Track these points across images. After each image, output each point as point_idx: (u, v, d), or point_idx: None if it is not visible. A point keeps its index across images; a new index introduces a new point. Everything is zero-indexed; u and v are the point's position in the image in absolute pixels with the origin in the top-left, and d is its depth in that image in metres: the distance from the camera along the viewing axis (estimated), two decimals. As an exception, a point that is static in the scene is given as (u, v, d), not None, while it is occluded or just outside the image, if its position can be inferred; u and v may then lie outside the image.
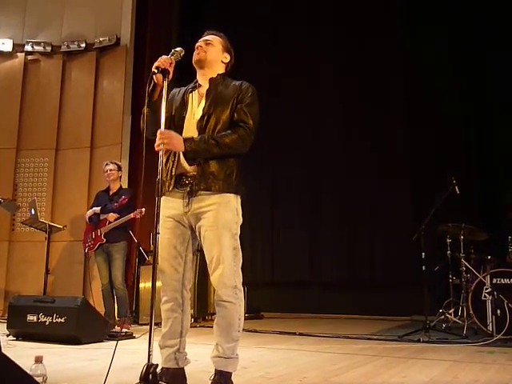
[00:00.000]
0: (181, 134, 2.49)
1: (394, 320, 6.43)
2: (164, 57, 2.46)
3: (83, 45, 7.66)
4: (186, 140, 2.42)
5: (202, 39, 2.65)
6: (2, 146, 7.44)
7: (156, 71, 2.40)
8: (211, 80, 2.61)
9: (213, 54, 2.61)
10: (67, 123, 7.57)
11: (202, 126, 2.51)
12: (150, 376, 2.10)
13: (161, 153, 2.35)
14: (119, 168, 5.79)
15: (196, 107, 2.57)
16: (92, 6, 7.85)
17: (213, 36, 2.67)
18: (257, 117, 2.56)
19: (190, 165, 2.48)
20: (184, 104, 2.59)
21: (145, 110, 2.53)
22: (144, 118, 2.54)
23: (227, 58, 2.68)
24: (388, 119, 7.32)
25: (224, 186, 2.46)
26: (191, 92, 2.63)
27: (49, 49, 7.72)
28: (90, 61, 7.68)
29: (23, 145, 7.52)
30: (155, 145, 2.36)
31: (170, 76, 2.44)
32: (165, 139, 2.35)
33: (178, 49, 2.53)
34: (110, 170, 5.71)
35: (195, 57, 2.60)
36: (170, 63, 2.44)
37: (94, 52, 7.69)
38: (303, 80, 7.85)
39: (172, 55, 2.49)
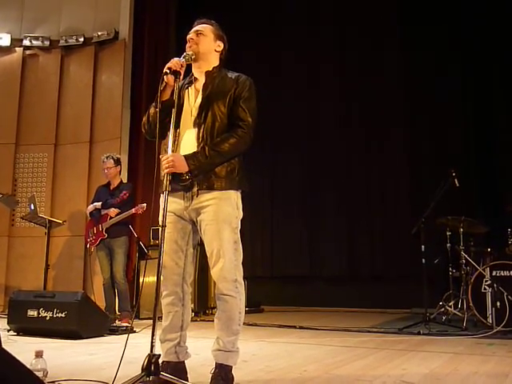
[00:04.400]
0: (179, 132, 2.51)
1: (394, 313, 6.45)
2: (176, 59, 2.47)
3: (81, 39, 7.64)
4: (187, 158, 2.41)
5: (192, 30, 2.62)
6: (1, 141, 7.43)
7: (168, 71, 2.41)
8: (207, 74, 2.59)
9: (205, 44, 2.59)
10: (66, 118, 7.56)
11: (199, 123, 2.50)
12: (152, 366, 2.12)
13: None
14: (117, 162, 5.66)
15: (193, 103, 2.56)
16: (90, 0, 7.81)
17: (203, 25, 2.63)
18: (255, 112, 2.54)
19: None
20: (181, 100, 2.57)
21: (151, 109, 2.56)
22: (150, 119, 2.57)
23: (220, 45, 2.65)
24: (387, 114, 7.32)
25: (226, 184, 2.47)
26: (187, 88, 2.61)
27: (47, 43, 7.69)
28: (89, 55, 7.66)
29: (22, 140, 7.50)
30: (164, 171, 2.38)
31: (181, 78, 2.48)
32: (169, 164, 2.36)
33: (190, 52, 2.54)
34: (108, 169, 5.61)
35: (188, 50, 2.57)
36: (182, 66, 2.46)
37: (92, 46, 7.66)
38: (303, 79, 7.85)
39: (183, 58, 2.50)
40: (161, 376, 2.17)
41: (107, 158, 5.65)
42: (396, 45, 7.37)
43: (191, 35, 2.60)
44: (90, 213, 5.67)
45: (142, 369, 2.13)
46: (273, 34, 8.05)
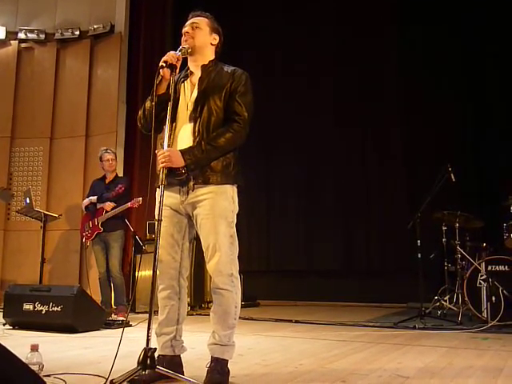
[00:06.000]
0: (175, 126, 2.50)
1: (389, 307, 6.47)
2: (172, 52, 2.47)
3: (77, 32, 7.61)
4: (184, 153, 2.40)
5: (188, 23, 2.60)
6: (-3, 134, 7.40)
7: (164, 65, 2.40)
8: (203, 68, 2.58)
9: (201, 38, 2.57)
10: (62, 112, 7.53)
11: (195, 117, 2.49)
12: (148, 360, 2.12)
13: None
14: (115, 156, 5.70)
15: (189, 97, 2.54)
16: (86, -7, 7.78)
17: (198, 18, 2.61)
18: (251, 106, 2.53)
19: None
20: (177, 94, 2.56)
21: (147, 103, 2.55)
22: (145, 112, 2.56)
23: (216, 38, 2.63)
24: (385, 110, 7.33)
25: (222, 178, 2.46)
26: (183, 82, 2.60)
27: (42, 36, 7.65)
28: (85, 48, 7.63)
29: (18, 133, 7.48)
30: (160, 166, 2.37)
31: (177, 71, 2.47)
32: (165, 158, 2.36)
33: (186, 46, 2.53)
34: (111, 160, 5.58)
35: (184, 44, 2.55)
36: (178, 59, 2.45)
37: (88, 40, 7.63)
38: (302, 78, 7.84)
39: (180, 51, 2.49)
40: (156, 370, 2.17)
41: (106, 150, 5.64)
42: (395, 45, 7.36)
43: (187, 29, 2.58)
44: (86, 207, 5.65)
45: (138, 362, 2.14)
46: (272, 34, 8.00)
